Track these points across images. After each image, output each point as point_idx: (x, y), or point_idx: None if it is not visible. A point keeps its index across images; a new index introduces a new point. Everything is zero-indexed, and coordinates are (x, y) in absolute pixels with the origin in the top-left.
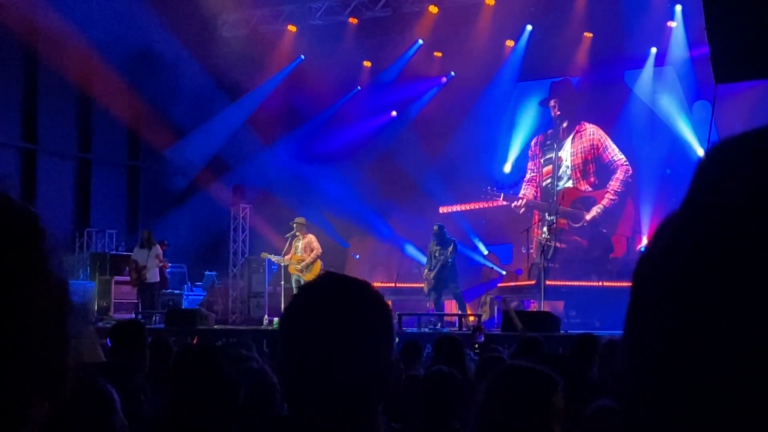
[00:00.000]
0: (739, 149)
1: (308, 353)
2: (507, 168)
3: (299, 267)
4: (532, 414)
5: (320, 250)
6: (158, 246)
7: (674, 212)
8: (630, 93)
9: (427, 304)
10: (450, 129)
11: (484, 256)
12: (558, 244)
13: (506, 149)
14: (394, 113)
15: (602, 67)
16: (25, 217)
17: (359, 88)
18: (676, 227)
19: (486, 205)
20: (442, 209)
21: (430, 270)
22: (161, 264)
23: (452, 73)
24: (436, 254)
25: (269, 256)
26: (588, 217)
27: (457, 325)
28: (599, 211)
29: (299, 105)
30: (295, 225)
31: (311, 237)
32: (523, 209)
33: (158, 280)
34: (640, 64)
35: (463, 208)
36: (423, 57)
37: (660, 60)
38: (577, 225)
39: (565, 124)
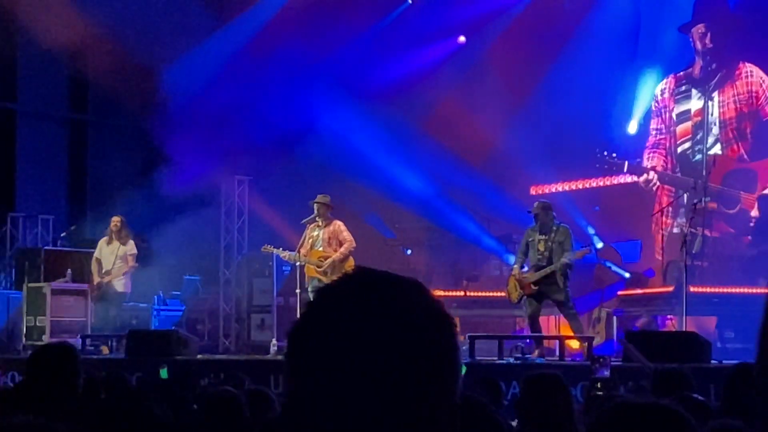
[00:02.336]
0: None
1: (326, 390)
2: (632, 128)
3: (322, 267)
4: None
5: (353, 243)
6: (133, 242)
7: None
8: None
9: (517, 322)
10: (545, 65)
11: (597, 252)
12: (708, 232)
13: (631, 99)
14: (462, 39)
15: None
16: None
17: (410, 1)
18: None
19: (600, 183)
20: (535, 189)
21: (528, 267)
22: (133, 268)
23: None
24: (540, 247)
25: (276, 251)
26: (754, 212)
27: (557, 352)
28: None
29: (322, 27)
30: (316, 206)
31: (339, 224)
32: (656, 185)
33: (129, 291)
34: None
35: (566, 188)
36: None
37: None
38: (731, 211)
39: (714, 65)
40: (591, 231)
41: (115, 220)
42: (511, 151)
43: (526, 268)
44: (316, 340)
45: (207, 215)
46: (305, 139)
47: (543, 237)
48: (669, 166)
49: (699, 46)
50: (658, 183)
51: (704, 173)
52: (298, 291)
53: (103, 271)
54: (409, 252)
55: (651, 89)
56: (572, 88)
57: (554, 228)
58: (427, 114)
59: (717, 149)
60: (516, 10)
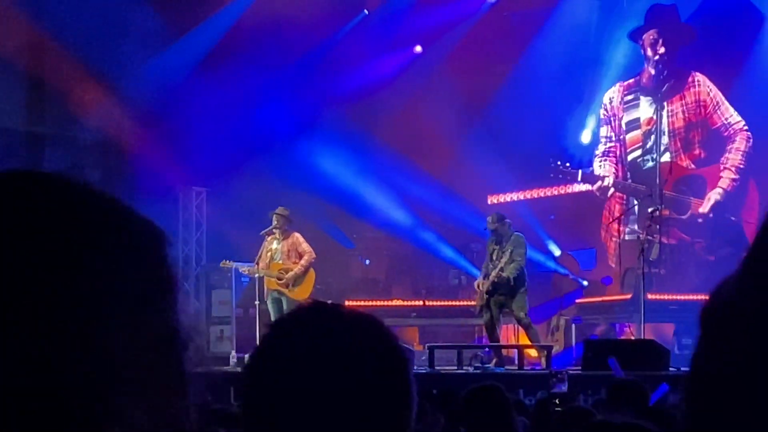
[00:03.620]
0: None
1: (281, 425)
2: (585, 137)
3: (283, 280)
4: None
5: (313, 254)
6: None
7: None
8: (763, 22)
9: (476, 331)
10: (501, 74)
11: (555, 260)
12: (665, 240)
13: (585, 107)
14: (418, 49)
15: None
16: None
17: (366, 12)
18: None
19: (555, 192)
20: (492, 198)
21: (485, 278)
22: None
23: None
24: (493, 256)
25: (235, 265)
26: (704, 209)
27: (516, 360)
28: (719, 197)
29: (278, 39)
30: (275, 217)
31: (297, 236)
32: (612, 193)
33: None
34: None
35: (523, 197)
36: None
37: None
38: (683, 217)
39: (665, 72)
40: (546, 238)
41: None
42: (469, 160)
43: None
44: (269, 378)
45: (165, 227)
46: (264, 150)
47: (497, 247)
48: (620, 174)
49: (650, 53)
50: (613, 190)
51: (658, 181)
52: (257, 302)
53: None
54: (367, 262)
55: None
56: (528, 97)
57: (509, 237)
58: (385, 124)
59: (666, 158)
60: (472, 21)
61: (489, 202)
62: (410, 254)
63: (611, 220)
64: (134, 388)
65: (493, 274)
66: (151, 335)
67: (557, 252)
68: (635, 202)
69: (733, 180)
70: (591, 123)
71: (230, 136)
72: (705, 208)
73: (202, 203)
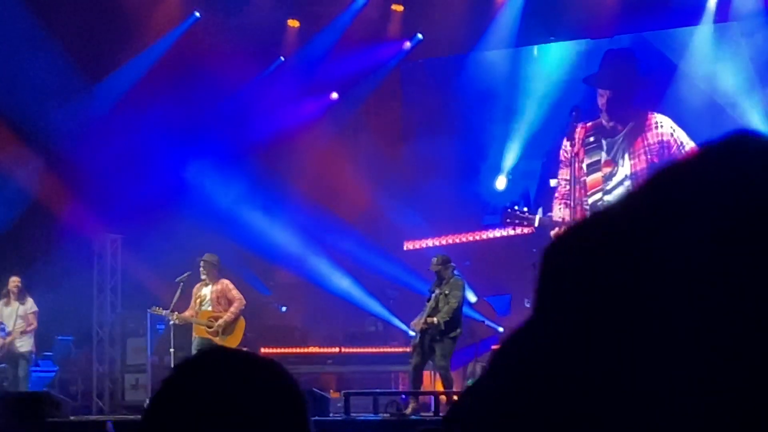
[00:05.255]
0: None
1: None
2: (500, 183)
3: (213, 327)
4: None
5: (243, 300)
6: (32, 300)
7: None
8: (675, 68)
9: (392, 378)
10: (416, 121)
11: (471, 306)
12: None
13: (500, 154)
14: (334, 95)
15: (636, 25)
16: None
17: (282, 58)
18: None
19: (470, 238)
20: (408, 244)
21: (428, 315)
22: (33, 327)
23: (419, 36)
24: (432, 297)
25: (163, 312)
26: None
27: (432, 408)
28: None
29: (194, 86)
30: (202, 263)
31: (226, 282)
32: None
33: (34, 350)
34: (691, 19)
35: (437, 243)
36: (377, 11)
37: (722, 14)
38: None
39: (616, 121)
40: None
41: (14, 280)
42: (384, 206)
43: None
44: (170, 417)
45: (79, 273)
46: (178, 196)
47: (435, 288)
48: (578, 216)
49: (600, 103)
50: None
51: None
52: (172, 350)
53: (7, 332)
54: (284, 309)
55: (521, 144)
56: (443, 143)
57: (448, 279)
58: (301, 170)
59: None
60: (388, 67)
61: (405, 248)
62: (327, 300)
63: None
64: None
65: (426, 316)
66: None
67: (473, 298)
68: None
69: None
70: (506, 168)
71: (145, 182)
72: None
73: (117, 250)
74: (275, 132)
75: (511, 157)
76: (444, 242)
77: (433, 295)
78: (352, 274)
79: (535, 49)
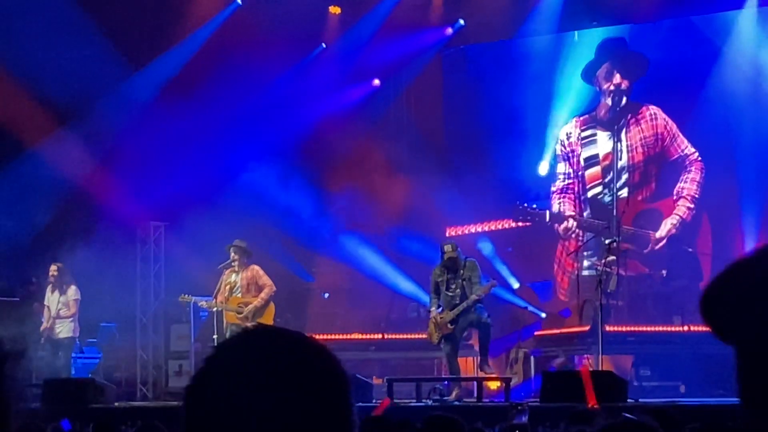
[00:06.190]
0: None
1: None
2: (543, 169)
3: (243, 313)
4: None
5: (273, 287)
6: (75, 287)
7: None
8: (719, 52)
9: (435, 363)
10: (459, 107)
11: (513, 292)
12: (623, 272)
13: (542, 140)
14: (376, 82)
15: (680, 8)
16: None
17: (323, 46)
18: None
19: (512, 224)
20: (451, 230)
21: (446, 308)
22: (74, 314)
23: (461, 22)
24: (452, 285)
25: (193, 300)
26: (660, 234)
27: (475, 393)
28: (675, 225)
29: (234, 74)
30: (233, 250)
31: (256, 268)
32: (575, 233)
33: (75, 335)
34: (736, 2)
35: (480, 229)
36: None
37: None
38: (646, 250)
39: (622, 102)
40: (504, 270)
41: (53, 268)
42: (426, 192)
43: (441, 308)
44: (211, 398)
45: (123, 261)
46: (222, 183)
47: (451, 276)
48: (578, 210)
49: (605, 85)
50: (577, 230)
51: (614, 213)
52: (215, 336)
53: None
54: (326, 296)
55: (558, 132)
56: (484, 128)
57: (463, 264)
58: (342, 157)
59: (624, 193)
60: (430, 54)
61: (447, 234)
62: (369, 287)
63: (566, 255)
64: None
65: (472, 298)
66: None
67: (515, 284)
68: (589, 237)
69: (689, 209)
70: (548, 155)
71: (188, 169)
72: (662, 232)
73: (160, 237)
74: (317, 119)
75: (552, 142)
76: (486, 228)
77: (450, 280)
78: (394, 261)
79: (576, 34)
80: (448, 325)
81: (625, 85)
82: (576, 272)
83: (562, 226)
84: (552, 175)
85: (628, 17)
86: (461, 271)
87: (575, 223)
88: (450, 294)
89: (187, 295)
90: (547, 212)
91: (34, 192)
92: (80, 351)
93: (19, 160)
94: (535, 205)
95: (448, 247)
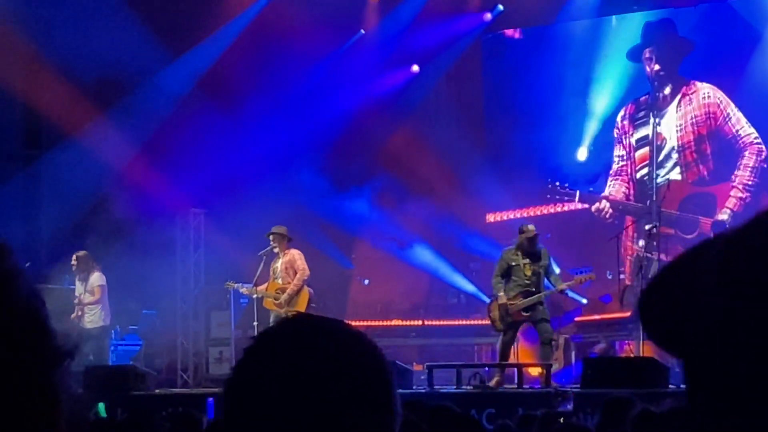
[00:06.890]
0: None
1: None
2: (581, 154)
3: (279, 299)
4: None
5: (306, 271)
6: (98, 274)
7: None
8: (760, 36)
9: (475, 350)
10: (498, 93)
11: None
12: (664, 257)
13: (580, 126)
14: (415, 68)
15: None
16: None
17: (362, 32)
18: None
19: (551, 210)
20: (491, 216)
21: (516, 294)
22: (96, 301)
23: (500, 7)
24: (526, 272)
25: (236, 286)
26: (709, 223)
27: (516, 380)
28: (726, 218)
29: (273, 61)
30: (272, 237)
31: (294, 253)
32: (609, 213)
33: (105, 323)
34: None
35: (520, 215)
36: None
37: None
38: (690, 236)
39: (668, 88)
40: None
41: (73, 258)
42: (466, 178)
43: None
44: (251, 387)
45: (163, 248)
46: (262, 170)
47: (527, 261)
48: (631, 192)
49: (648, 70)
50: (610, 211)
51: (655, 198)
52: (255, 323)
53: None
54: (366, 282)
55: (602, 117)
56: (523, 114)
57: (539, 252)
58: (382, 143)
59: (676, 173)
60: (469, 40)
61: (487, 221)
62: (408, 273)
63: (624, 237)
64: None
65: (561, 287)
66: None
67: (556, 270)
68: (645, 224)
69: (741, 199)
70: (587, 140)
71: (228, 157)
72: (710, 223)
73: (200, 224)
74: (356, 105)
75: (591, 128)
76: (526, 214)
77: (527, 266)
78: (434, 247)
79: (614, 18)
80: (523, 313)
81: (667, 68)
82: (635, 254)
83: (594, 206)
84: (591, 159)
85: (667, 1)
86: (538, 259)
87: (608, 204)
88: (525, 281)
89: (232, 282)
90: (578, 192)
91: (75, 180)
92: (121, 338)
93: (61, 148)
94: (566, 184)
95: (531, 226)
